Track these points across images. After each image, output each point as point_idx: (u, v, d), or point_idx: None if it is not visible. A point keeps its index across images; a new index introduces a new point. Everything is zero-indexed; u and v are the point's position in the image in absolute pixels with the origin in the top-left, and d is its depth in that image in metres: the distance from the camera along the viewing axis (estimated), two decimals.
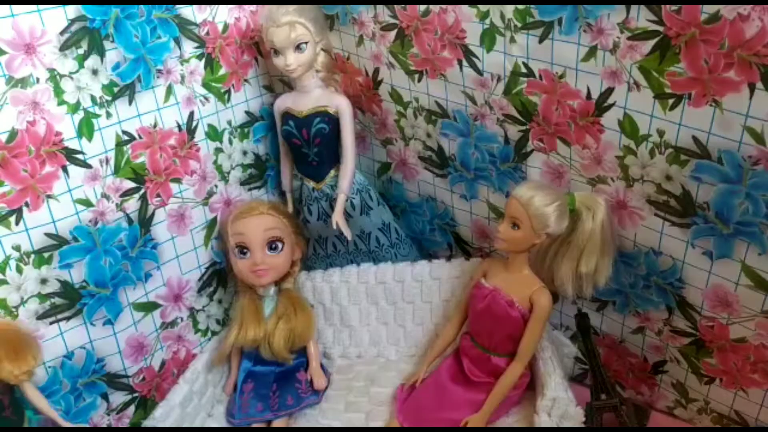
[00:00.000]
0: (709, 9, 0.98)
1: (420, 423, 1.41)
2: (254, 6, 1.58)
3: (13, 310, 1.26)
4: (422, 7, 1.35)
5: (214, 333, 1.69)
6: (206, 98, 1.54)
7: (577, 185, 1.36)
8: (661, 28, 1.05)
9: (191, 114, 1.51)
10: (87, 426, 1.40)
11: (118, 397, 1.46)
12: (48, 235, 1.28)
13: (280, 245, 1.58)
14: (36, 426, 1.24)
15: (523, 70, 1.28)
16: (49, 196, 1.27)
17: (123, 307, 1.44)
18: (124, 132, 1.38)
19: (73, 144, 1.29)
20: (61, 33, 1.23)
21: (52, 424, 1.28)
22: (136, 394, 1.50)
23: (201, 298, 1.64)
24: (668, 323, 1.39)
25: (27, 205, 1.24)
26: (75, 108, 1.28)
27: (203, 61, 1.51)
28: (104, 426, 1.44)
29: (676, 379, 1.48)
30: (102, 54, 1.30)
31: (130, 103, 1.38)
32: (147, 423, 1.41)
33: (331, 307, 1.72)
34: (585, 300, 1.52)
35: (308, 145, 1.59)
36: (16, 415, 1.23)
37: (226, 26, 1.53)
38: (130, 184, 1.41)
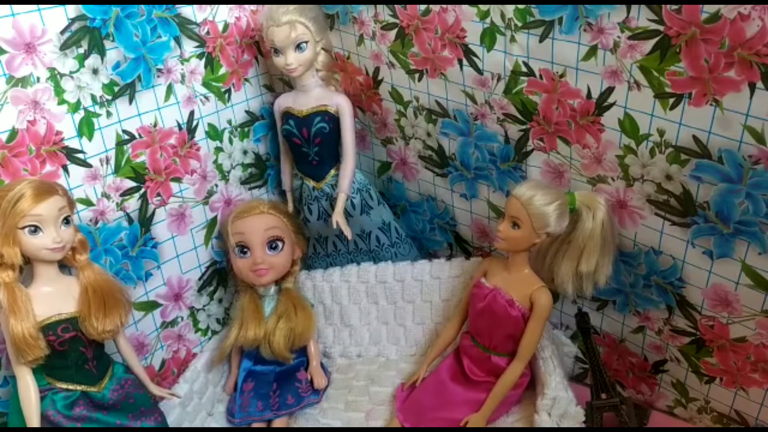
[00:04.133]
0: (710, 8, 0.98)
1: (420, 422, 1.41)
2: (254, 5, 1.58)
3: None
4: (422, 7, 1.35)
5: (214, 332, 1.69)
6: (206, 97, 1.54)
7: (577, 184, 1.36)
8: (661, 28, 1.05)
9: (191, 113, 1.51)
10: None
11: None
12: None
13: (280, 244, 1.58)
14: (120, 382, 1.25)
15: (524, 69, 1.28)
16: None
17: None
18: (125, 131, 1.38)
19: (73, 143, 1.29)
20: (62, 32, 1.23)
21: (139, 382, 1.30)
22: None
23: (201, 298, 1.64)
24: (668, 322, 1.39)
25: None
26: (75, 107, 1.28)
27: (203, 60, 1.51)
28: None
29: (676, 379, 1.48)
30: (102, 53, 1.30)
31: (131, 102, 1.38)
32: None
33: (332, 307, 1.72)
34: (585, 299, 1.52)
35: (308, 145, 1.59)
36: (100, 370, 1.22)
37: (226, 25, 1.53)
38: (131, 184, 1.42)
